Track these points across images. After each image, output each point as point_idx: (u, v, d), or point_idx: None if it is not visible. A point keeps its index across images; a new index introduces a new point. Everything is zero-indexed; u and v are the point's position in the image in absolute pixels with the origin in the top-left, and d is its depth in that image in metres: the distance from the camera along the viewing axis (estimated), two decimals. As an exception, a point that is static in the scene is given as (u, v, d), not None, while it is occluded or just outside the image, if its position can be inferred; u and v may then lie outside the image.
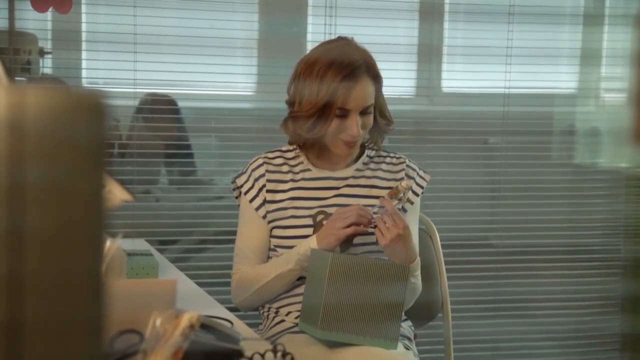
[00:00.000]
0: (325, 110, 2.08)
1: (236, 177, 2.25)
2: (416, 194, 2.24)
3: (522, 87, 3.59)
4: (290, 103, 2.17)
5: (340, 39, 2.20)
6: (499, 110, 3.56)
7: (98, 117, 0.74)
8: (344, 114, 2.09)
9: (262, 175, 2.21)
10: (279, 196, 2.19)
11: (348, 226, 2.03)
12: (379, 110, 2.18)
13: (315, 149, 2.22)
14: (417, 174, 2.26)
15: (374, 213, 2.07)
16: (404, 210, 2.21)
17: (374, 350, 1.92)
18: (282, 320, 2.15)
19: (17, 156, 0.71)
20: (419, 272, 2.18)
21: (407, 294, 1.98)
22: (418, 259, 2.12)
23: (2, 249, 0.71)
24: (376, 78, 2.14)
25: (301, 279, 2.11)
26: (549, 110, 3.77)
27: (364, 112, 2.11)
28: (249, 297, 2.19)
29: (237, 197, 2.27)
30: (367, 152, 2.26)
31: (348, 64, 2.08)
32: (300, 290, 2.09)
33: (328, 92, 2.07)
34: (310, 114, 2.10)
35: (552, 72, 3.65)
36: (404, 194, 2.06)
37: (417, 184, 2.25)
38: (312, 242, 2.07)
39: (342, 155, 2.19)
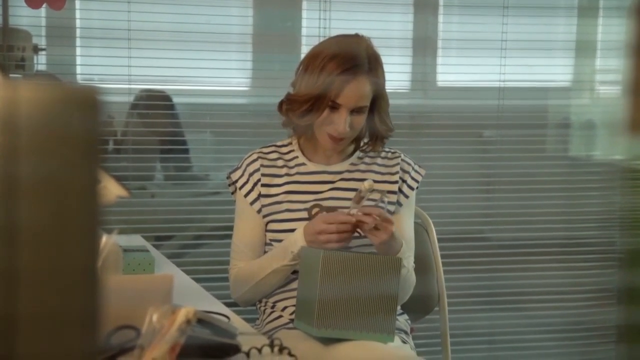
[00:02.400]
0: (318, 100, 2.09)
1: (231, 172, 2.25)
2: (411, 188, 2.24)
3: (517, 80, 3.59)
4: (293, 86, 2.18)
5: (356, 35, 2.19)
6: (494, 104, 3.56)
7: (92, 112, 0.74)
8: (334, 107, 2.09)
9: (257, 170, 2.21)
10: (273, 190, 2.19)
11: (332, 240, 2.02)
12: (378, 115, 2.17)
13: (309, 143, 2.22)
14: (412, 168, 2.26)
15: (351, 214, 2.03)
16: (399, 203, 2.21)
17: (370, 344, 1.92)
18: (280, 316, 2.15)
19: (12, 151, 0.71)
20: (411, 259, 2.18)
21: (401, 284, 1.98)
22: (403, 244, 2.11)
23: (-2, 245, 0.71)
24: (377, 81, 2.13)
25: (297, 273, 2.11)
26: (544, 103, 3.77)
27: (355, 112, 2.11)
28: (246, 292, 2.19)
29: (232, 193, 2.27)
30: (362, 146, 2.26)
31: (350, 59, 2.08)
32: (296, 285, 2.09)
33: (324, 83, 2.07)
34: (304, 100, 2.10)
35: (547, 64, 3.65)
36: (369, 195, 2.04)
37: (413, 179, 2.25)
38: (300, 239, 2.06)
39: (327, 149, 2.18)
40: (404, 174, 2.24)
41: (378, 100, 2.15)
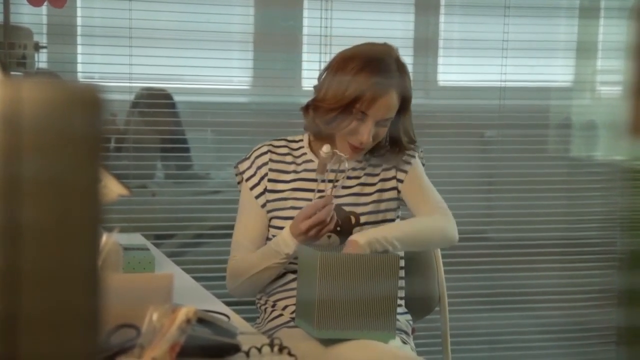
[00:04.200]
0: (346, 110, 2.07)
1: (239, 162, 2.23)
2: (408, 163, 2.21)
3: (518, 80, 3.59)
4: (317, 91, 2.16)
5: (385, 45, 2.17)
6: (495, 104, 3.56)
7: (94, 111, 0.74)
8: (361, 118, 2.08)
9: (265, 164, 2.20)
10: (280, 186, 2.19)
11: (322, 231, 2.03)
12: (403, 129, 2.16)
13: (322, 142, 2.20)
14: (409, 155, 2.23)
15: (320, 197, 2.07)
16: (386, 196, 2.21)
17: (371, 344, 1.92)
18: (280, 315, 2.15)
19: (14, 150, 0.70)
20: (442, 204, 2.21)
21: (429, 227, 2.11)
22: (393, 242, 2.05)
23: (-2, 244, 0.71)
24: (404, 95, 2.11)
25: (296, 272, 2.10)
26: (545, 103, 3.77)
27: (380, 123, 2.10)
28: (240, 285, 2.19)
29: (239, 183, 2.25)
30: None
31: (382, 71, 2.06)
32: (296, 284, 2.09)
33: (354, 93, 2.05)
34: (331, 107, 2.08)
35: (548, 65, 3.65)
36: (330, 160, 2.06)
37: (408, 155, 2.22)
38: (290, 240, 2.05)
39: (346, 156, 2.15)
40: (404, 165, 2.22)
41: (403, 111, 2.14)
